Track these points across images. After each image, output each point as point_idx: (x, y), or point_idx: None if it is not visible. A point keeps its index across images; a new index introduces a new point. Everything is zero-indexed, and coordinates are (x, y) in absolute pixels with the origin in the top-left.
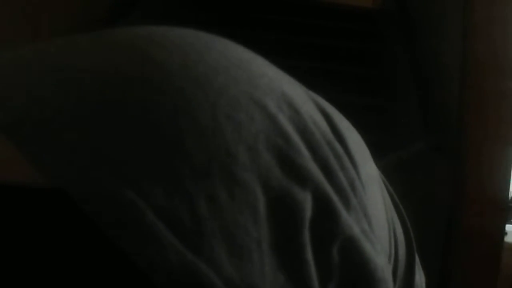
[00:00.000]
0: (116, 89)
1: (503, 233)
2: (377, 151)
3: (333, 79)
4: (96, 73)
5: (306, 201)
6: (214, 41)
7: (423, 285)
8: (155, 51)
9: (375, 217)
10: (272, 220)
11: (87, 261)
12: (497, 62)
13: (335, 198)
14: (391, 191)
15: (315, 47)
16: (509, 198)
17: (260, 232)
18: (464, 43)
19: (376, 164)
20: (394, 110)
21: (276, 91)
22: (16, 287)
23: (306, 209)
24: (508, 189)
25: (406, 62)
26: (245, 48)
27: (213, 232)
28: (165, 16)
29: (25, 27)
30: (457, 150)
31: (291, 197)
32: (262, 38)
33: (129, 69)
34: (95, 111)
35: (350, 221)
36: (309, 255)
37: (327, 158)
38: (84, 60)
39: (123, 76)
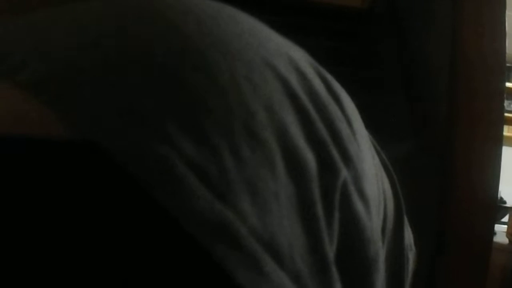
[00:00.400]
0: (139, 50)
1: (492, 233)
2: None
3: None
4: (118, 35)
5: (313, 159)
6: (223, 6)
7: (412, 242)
8: (171, 15)
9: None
10: (287, 176)
11: (113, 212)
12: (485, 62)
13: (337, 157)
14: (379, 149)
15: (302, 46)
16: (498, 198)
17: (277, 186)
18: (453, 43)
19: None
20: (382, 110)
21: (284, 55)
22: (45, 236)
23: (313, 166)
24: (497, 189)
25: (395, 62)
26: (248, 15)
27: (238, 184)
28: None
29: None
30: (446, 150)
31: (302, 155)
32: None
33: (150, 31)
34: (121, 71)
35: (348, 179)
36: (320, 211)
37: (332, 118)
38: (104, 23)
39: (145, 38)
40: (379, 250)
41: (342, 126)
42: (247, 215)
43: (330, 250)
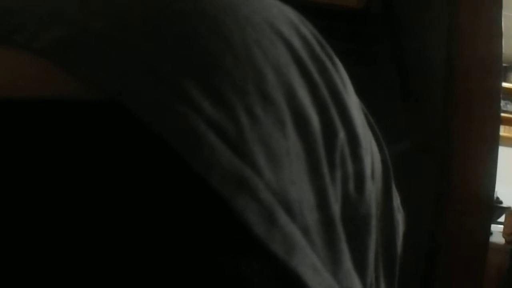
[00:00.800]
0: (155, 17)
1: (489, 233)
2: None
3: None
4: (135, 5)
5: (317, 120)
6: None
7: (399, 204)
8: None
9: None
10: (296, 136)
11: (136, 169)
12: (482, 62)
13: (337, 119)
14: (366, 112)
15: None
16: (495, 198)
17: (288, 144)
18: (450, 43)
19: None
20: (378, 110)
21: (286, 19)
22: (73, 194)
23: (318, 127)
24: (494, 189)
25: (390, 62)
26: None
27: (253, 141)
28: None
29: None
30: (443, 150)
31: (309, 116)
32: None
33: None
34: (140, 35)
35: (344, 141)
36: (325, 169)
37: (333, 82)
38: None
39: (159, 5)
40: (371, 212)
41: (341, 89)
42: (263, 171)
43: (336, 208)
